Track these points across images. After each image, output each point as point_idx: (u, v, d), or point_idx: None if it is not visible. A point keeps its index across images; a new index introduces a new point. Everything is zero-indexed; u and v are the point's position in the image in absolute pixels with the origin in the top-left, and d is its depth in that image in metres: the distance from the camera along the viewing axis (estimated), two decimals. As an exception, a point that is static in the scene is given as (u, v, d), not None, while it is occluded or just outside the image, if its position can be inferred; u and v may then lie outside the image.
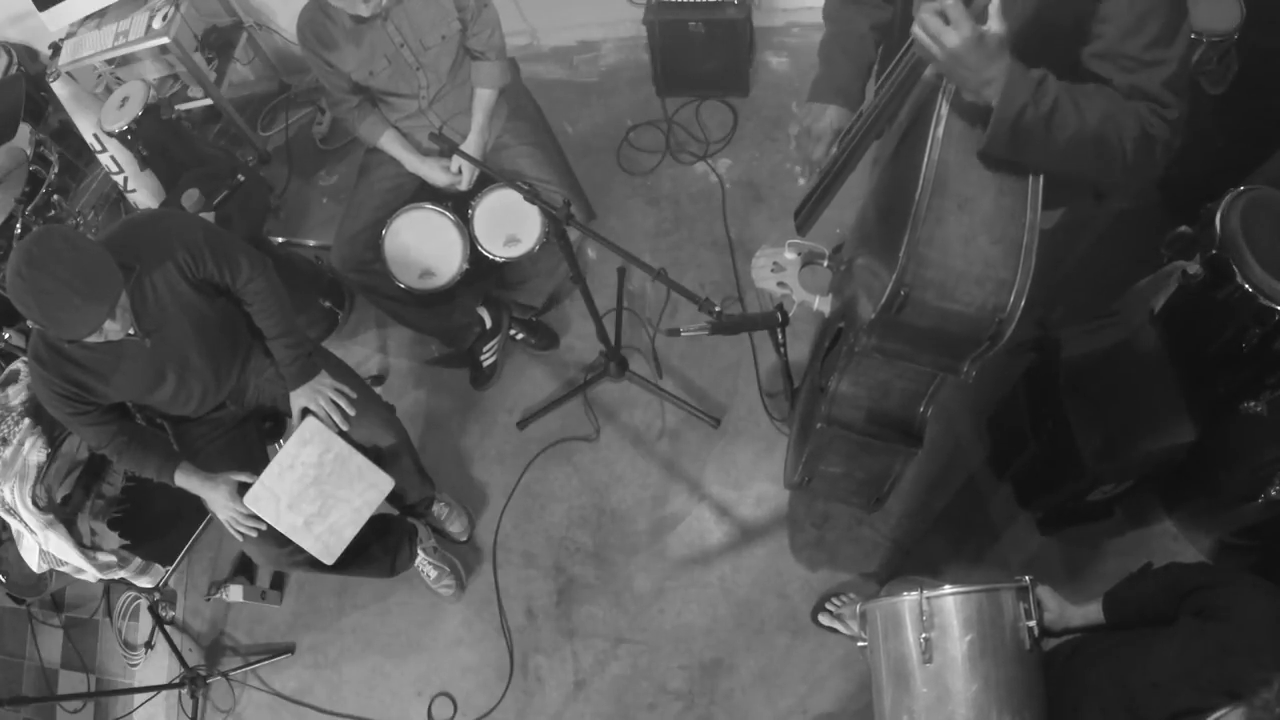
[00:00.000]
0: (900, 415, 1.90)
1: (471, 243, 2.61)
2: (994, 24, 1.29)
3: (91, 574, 2.70)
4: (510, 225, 2.60)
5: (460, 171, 2.63)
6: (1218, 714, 1.17)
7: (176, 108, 3.39)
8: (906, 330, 1.59)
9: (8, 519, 2.54)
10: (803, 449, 2.11)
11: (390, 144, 2.62)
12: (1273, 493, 2.09)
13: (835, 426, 1.94)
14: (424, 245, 2.62)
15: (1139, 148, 1.38)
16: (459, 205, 2.64)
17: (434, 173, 2.64)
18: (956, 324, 1.52)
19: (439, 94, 2.57)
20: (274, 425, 2.58)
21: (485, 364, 3.01)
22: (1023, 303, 1.45)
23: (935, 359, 1.67)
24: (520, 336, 3.05)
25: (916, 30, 1.34)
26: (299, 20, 2.42)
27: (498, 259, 2.60)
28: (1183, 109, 1.39)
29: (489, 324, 2.97)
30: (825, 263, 2.11)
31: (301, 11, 2.42)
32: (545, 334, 3.08)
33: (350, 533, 2.26)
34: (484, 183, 2.66)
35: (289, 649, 2.78)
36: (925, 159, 1.44)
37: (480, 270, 2.69)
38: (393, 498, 2.40)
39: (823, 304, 2.09)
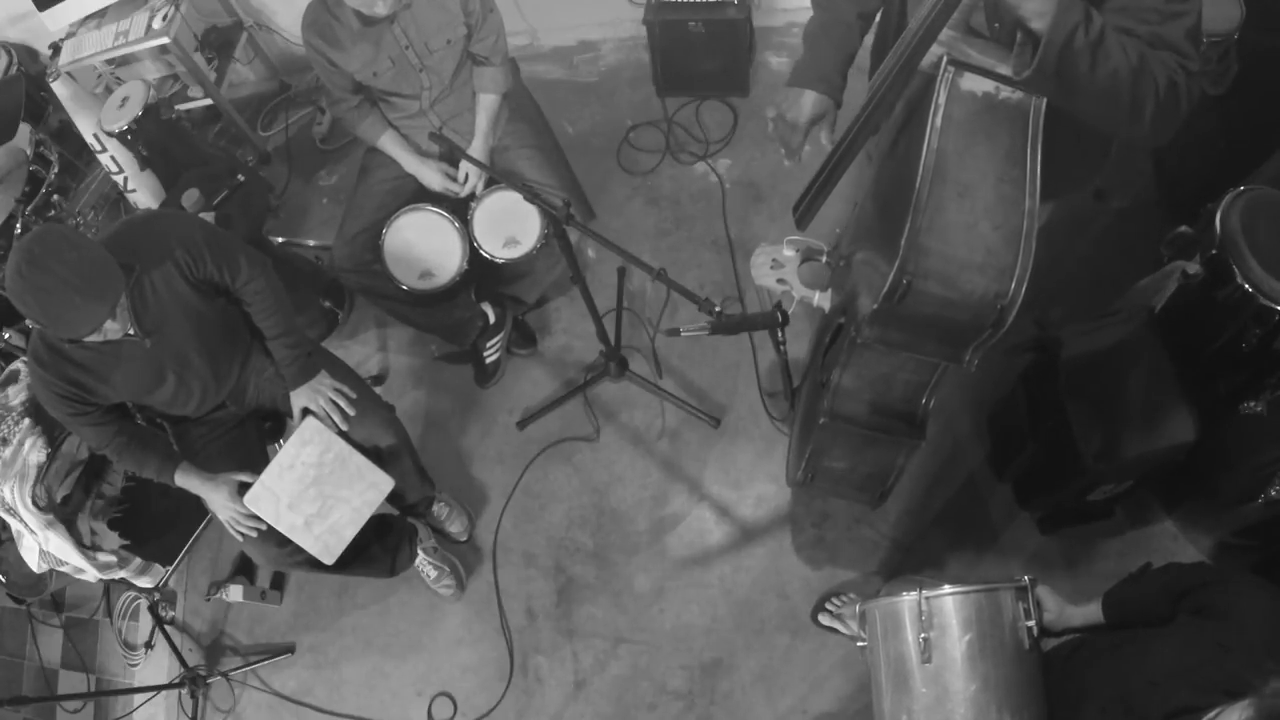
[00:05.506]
0: (903, 407, 1.90)
1: (471, 244, 2.61)
2: None
3: (91, 574, 2.70)
4: (509, 227, 2.60)
5: (467, 178, 2.63)
6: (1214, 713, 1.17)
7: (176, 108, 3.39)
8: (909, 320, 1.59)
9: (8, 519, 2.54)
10: (805, 446, 2.11)
11: (389, 144, 2.62)
12: (1273, 493, 2.09)
13: (838, 421, 1.94)
14: (423, 246, 2.62)
15: (1168, 94, 1.38)
16: (458, 207, 2.64)
17: (431, 175, 2.63)
18: (959, 312, 1.52)
19: (440, 95, 2.57)
20: (274, 425, 2.58)
21: (488, 360, 3.01)
22: (1024, 289, 1.45)
23: (938, 348, 1.67)
24: None
25: None
26: (304, 17, 2.42)
27: (497, 260, 2.60)
28: (1200, 62, 1.40)
29: (492, 319, 2.96)
30: (824, 258, 2.11)
31: (307, 9, 2.41)
32: (524, 333, 3.08)
33: (350, 533, 2.26)
34: (485, 185, 2.65)
35: (289, 649, 2.78)
36: (924, 147, 1.44)
37: (479, 271, 2.69)
38: (393, 498, 2.40)
39: (822, 299, 2.10)
